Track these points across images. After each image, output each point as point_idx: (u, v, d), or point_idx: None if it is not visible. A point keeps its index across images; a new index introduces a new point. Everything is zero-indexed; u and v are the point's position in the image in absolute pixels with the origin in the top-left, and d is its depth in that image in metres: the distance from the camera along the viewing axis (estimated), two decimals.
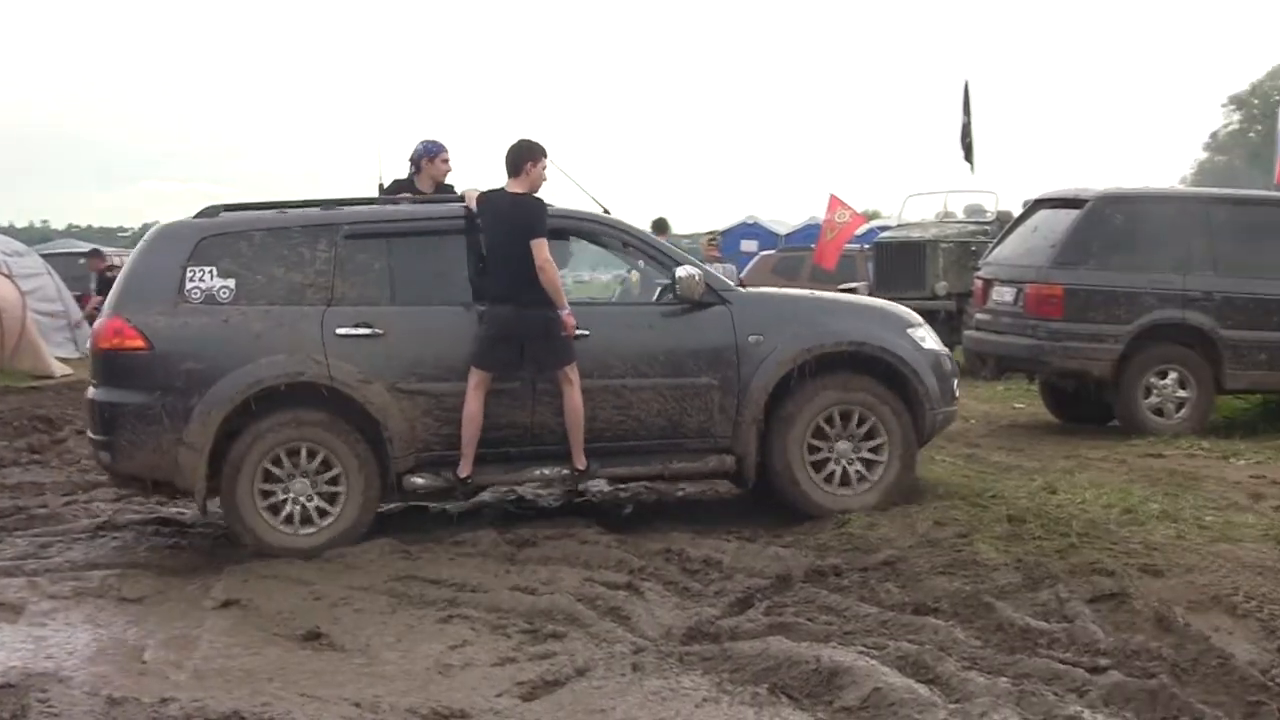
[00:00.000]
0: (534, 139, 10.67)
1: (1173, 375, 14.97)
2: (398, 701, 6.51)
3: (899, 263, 24.01)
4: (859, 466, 10.93)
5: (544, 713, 6.39)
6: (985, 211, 25.16)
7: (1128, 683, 6.33)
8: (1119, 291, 14.92)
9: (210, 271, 10.28)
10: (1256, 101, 78.25)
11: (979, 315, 17.14)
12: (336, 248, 10.51)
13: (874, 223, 36.24)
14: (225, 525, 10.33)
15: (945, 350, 11.61)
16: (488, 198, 10.66)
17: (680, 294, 10.76)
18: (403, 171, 12.37)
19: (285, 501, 10.13)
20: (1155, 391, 14.91)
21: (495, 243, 10.53)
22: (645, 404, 10.70)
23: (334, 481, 10.19)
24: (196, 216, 10.67)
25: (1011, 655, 6.90)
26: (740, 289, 11.41)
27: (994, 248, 17.87)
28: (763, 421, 10.81)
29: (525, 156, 10.61)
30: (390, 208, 11.20)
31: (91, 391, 10.45)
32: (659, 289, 11.41)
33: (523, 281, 10.38)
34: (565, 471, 10.57)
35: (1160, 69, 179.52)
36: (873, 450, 10.95)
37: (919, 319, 11.66)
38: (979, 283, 17.42)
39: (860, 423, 10.96)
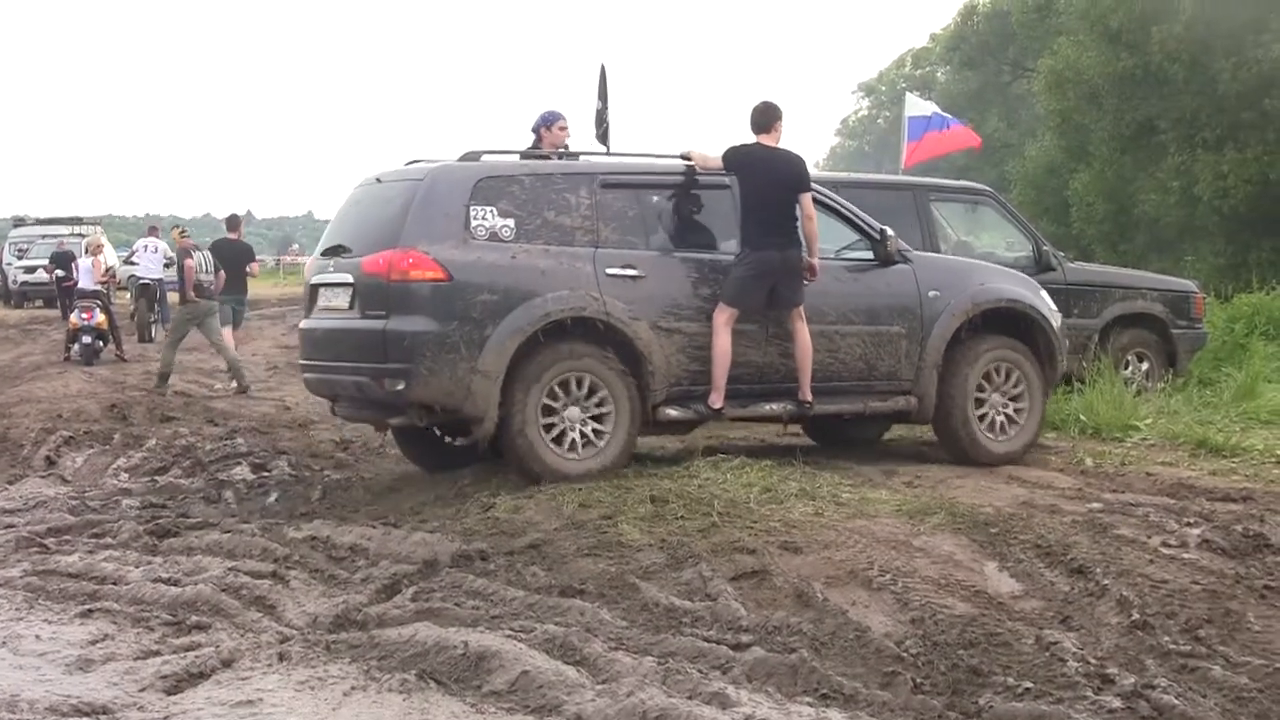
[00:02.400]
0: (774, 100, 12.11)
1: None
2: (37, 698, 6.29)
3: None
4: (1008, 415, 12.47)
5: (189, 706, 6.24)
6: None
7: (769, 658, 6.46)
8: None
9: (491, 211, 11.02)
10: (884, 89, 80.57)
11: None
12: (596, 195, 11.41)
13: None
14: (505, 454, 10.92)
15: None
16: (743, 152, 11.74)
17: (891, 251, 12.16)
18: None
19: (562, 429, 10.95)
20: None
21: (759, 192, 11.57)
22: (850, 348, 12.01)
23: (600, 413, 11.06)
24: (461, 160, 11.43)
25: (657, 634, 6.98)
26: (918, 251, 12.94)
27: None
28: (941, 367, 12.22)
29: (775, 114, 11.89)
30: (633, 160, 12.26)
31: (374, 322, 10.87)
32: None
33: (785, 227, 11.58)
34: (791, 406, 11.79)
35: (795, 57, 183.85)
36: (1015, 400, 12.53)
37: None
38: None
39: (1008, 377, 12.52)
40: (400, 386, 10.69)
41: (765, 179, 11.61)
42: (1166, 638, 6.86)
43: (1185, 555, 8.43)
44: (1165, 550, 8.56)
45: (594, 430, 11.07)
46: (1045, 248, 16.24)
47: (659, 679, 6.19)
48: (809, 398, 11.72)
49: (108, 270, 27.10)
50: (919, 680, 6.28)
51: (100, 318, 24.52)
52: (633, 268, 11.26)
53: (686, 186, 11.88)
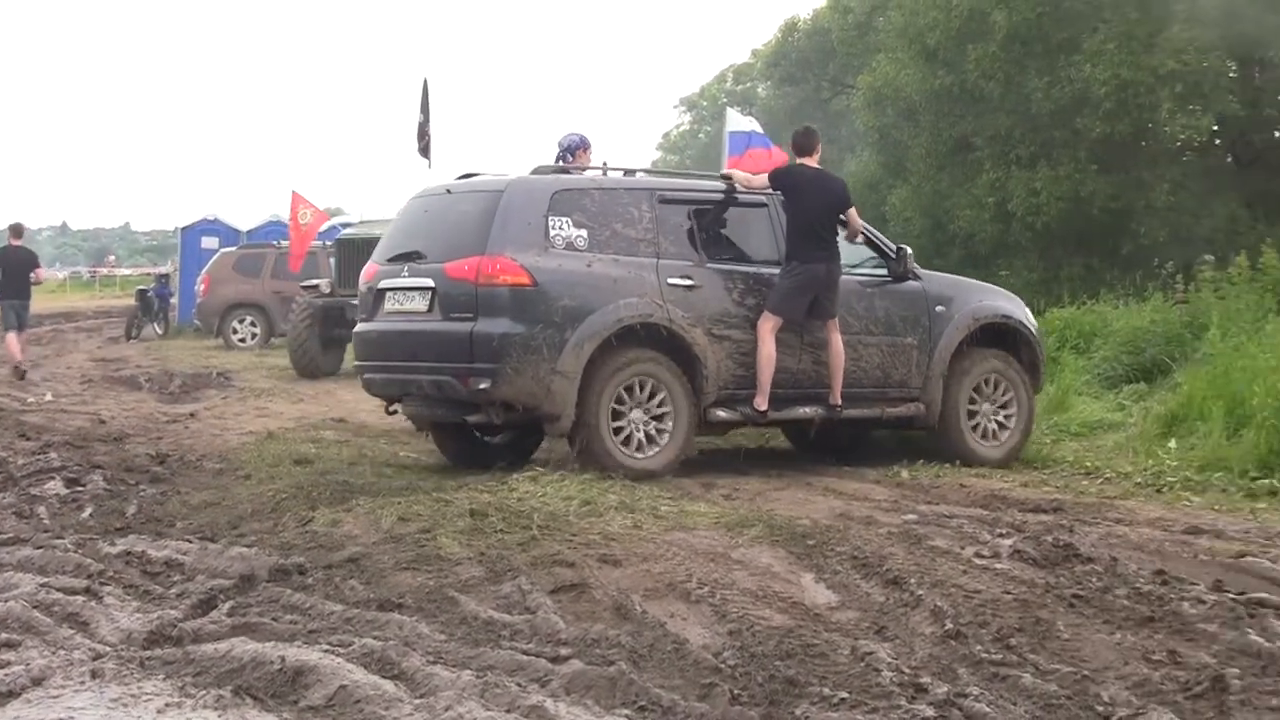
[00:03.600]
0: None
1: None
2: None
3: (362, 259, 23.84)
4: (998, 422, 13.66)
5: None
6: None
7: (588, 671, 6.46)
8: None
9: (567, 222, 11.96)
10: (705, 103, 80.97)
11: None
12: (656, 209, 12.41)
13: (336, 219, 36.06)
14: (576, 451, 11.90)
15: None
16: (791, 172, 13.07)
17: (905, 269, 13.31)
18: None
19: (628, 429, 11.94)
20: None
21: (807, 209, 12.68)
22: (870, 357, 13.08)
23: (661, 414, 12.04)
24: (534, 173, 12.53)
25: (476, 648, 6.95)
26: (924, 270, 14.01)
27: None
28: (946, 376, 13.29)
29: (816, 139, 13.12)
30: (683, 179, 13.84)
31: (460, 324, 11.73)
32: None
33: (829, 242, 12.68)
34: (821, 410, 12.78)
35: (617, 71, 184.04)
36: (1004, 407, 13.71)
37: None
38: None
39: (996, 387, 13.67)
40: (485, 385, 11.55)
41: (815, 198, 12.70)
42: (979, 647, 6.96)
43: (997, 565, 8.57)
44: (978, 561, 8.70)
45: (654, 431, 12.00)
46: None
47: (477, 692, 6.16)
48: (839, 401, 12.73)
49: None
50: (736, 691, 6.31)
51: None
52: (689, 278, 12.26)
53: (730, 204, 12.90)
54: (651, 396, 12.00)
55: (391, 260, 12.64)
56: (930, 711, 6.02)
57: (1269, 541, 9.52)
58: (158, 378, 24.11)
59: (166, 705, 6.25)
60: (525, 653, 6.84)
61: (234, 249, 36.44)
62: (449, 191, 12.71)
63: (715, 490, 11.39)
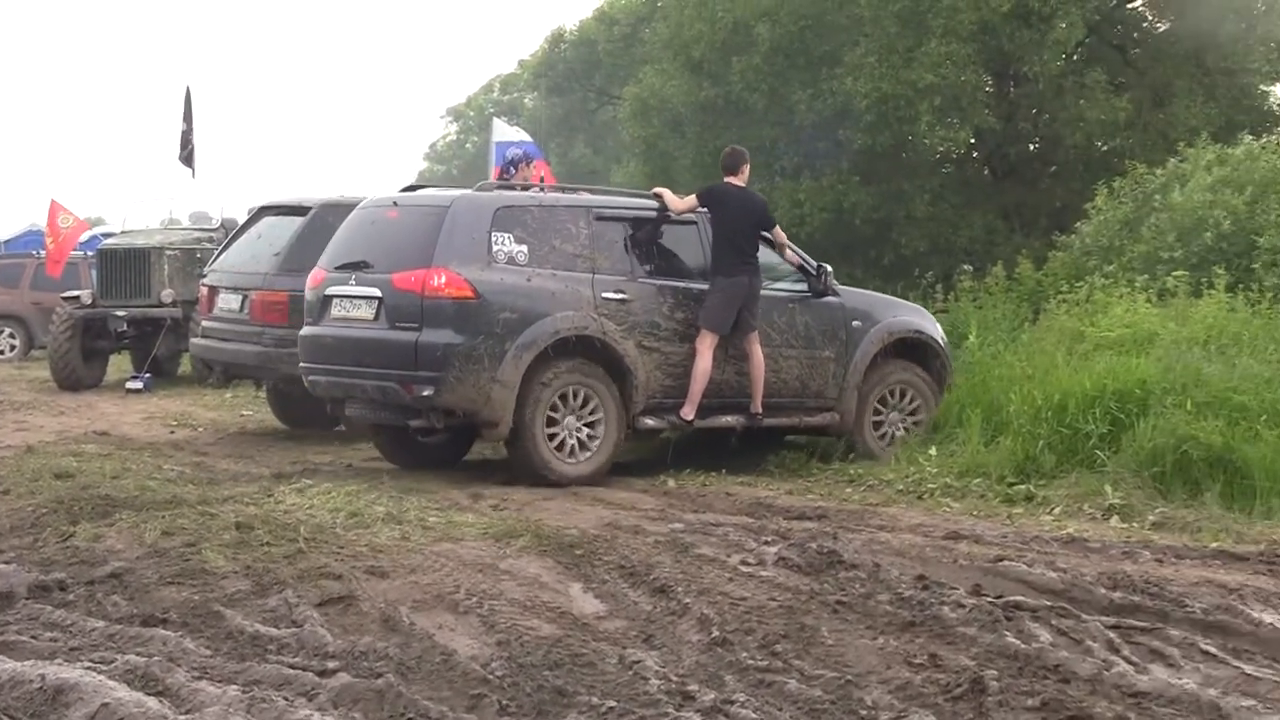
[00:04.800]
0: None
1: None
2: None
3: (124, 270, 23.51)
4: (905, 429, 14.31)
5: None
6: (210, 218, 25.02)
7: (356, 684, 6.43)
8: None
9: (508, 237, 12.48)
10: (472, 114, 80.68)
11: (206, 322, 17.05)
12: (592, 226, 12.99)
13: (97, 229, 35.38)
14: (513, 456, 12.61)
15: None
16: (718, 191, 13.59)
17: (825, 285, 13.96)
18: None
19: (561, 435, 12.50)
20: None
21: (731, 226, 13.32)
22: (789, 369, 13.71)
23: (592, 420, 12.63)
24: (476, 190, 13.25)
25: (242, 663, 6.89)
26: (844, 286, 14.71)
27: (219, 255, 17.81)
28: (861, 387, 13.97)
29: (742, 159, 13.81)
30: (618, 198, 14.35)
31: (405, 334, 12.20)
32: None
33: (752, 257, 13.34)
34: (743, 418, 13.43)
35: (381, 82, 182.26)
36: (912, 414, 14.41)
37: None
38: (205, 290, 17.33)
39: (903, 396, 14.38)
40: (428, 392, 12.07)
41: (739, 215, 13.37)
42: (745, 654, 7.06)
43: (763, 573, 8.69)
44: (744, 568, 8.82)
45: (584, 438, 12.58)
46: None
47: (244, 708, 6.10)
48: (760, 410, 13.37)
49: None
50: (505, 702, 6.33)
51: None
52: (622, 292, 12.85)
53: (661, 222, 13.47)
54: (584, 405, 12.58)
55: (339, 268, 13.10)
56: (698, 719, 6.09)
57: (1025, 546, 9.78)
58: None
59: None
60: (292, 666, 6.80)
61: None
62: (396, 205, 13.23)
63: (483, 501, 11.39)
